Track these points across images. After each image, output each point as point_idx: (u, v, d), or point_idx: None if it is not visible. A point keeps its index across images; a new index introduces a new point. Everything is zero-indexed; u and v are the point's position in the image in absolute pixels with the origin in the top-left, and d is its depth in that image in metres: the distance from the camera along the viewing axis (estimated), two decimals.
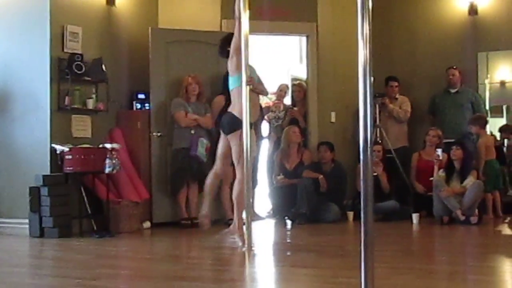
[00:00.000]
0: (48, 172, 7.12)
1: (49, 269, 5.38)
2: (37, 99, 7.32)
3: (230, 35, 5.96)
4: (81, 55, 7.46)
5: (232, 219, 7.85)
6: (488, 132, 9.07)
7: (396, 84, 9.13)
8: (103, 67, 7.72)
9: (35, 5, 7.42)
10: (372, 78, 2.86)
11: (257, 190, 8.61)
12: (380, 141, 8.69)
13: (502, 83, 9.54)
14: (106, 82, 7.78)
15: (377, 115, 8.89)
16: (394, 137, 8.94)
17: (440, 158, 8.04)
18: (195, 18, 8.50)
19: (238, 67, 5.54)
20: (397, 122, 9.08)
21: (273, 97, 9.21)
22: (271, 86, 9.22)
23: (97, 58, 7.69)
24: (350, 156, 8.72)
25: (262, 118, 8.69)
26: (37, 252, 6.34)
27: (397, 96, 9.13)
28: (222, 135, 6.12)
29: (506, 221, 7.90)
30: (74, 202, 7.16)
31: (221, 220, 7.95)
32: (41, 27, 7.34)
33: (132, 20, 8.36)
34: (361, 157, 2.88)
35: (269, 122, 9.02)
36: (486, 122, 8.60)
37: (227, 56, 6.01)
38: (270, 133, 9.05)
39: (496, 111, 9.64)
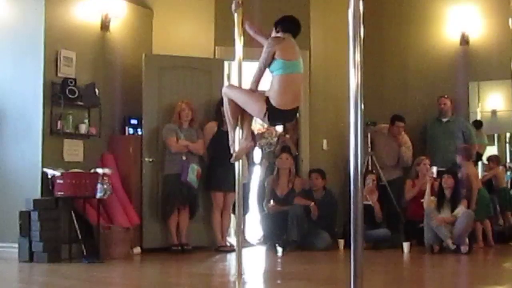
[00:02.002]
0: (38, 196, 7.09)
1: None
2: (30, 122, 7.32)
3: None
4: (75, 79, 7.48)
5: (222, 246, 7.88)
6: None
7: (402, 124, 9.12)
8: (96, 92, 7.74)
9: (29, 29, 7.46)
10: (363, 106, 2.90)
11: (248, 216, 8.62)
12: (374, 171, 8.72)
13: (493, 112, 9.59)
14: (99, 107, 7.79)
15: (369, 143, 8.93)
16: (388, 167, 8.99)
17: (435, 175, 8.07)
18: (189, 45, 8.55)
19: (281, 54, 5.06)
20: (392, 151, 9.12)
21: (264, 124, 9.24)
22: None
23: (90, 83, 7.71)
24: (341, 184, 8.75)
25: (255, 144, 8.70)
26: (26, 277, 6.29)
27: (401, 136, 9.17)
28: None
29: (497, 250, 7.91)
30: (64, 227, 7.11)
31: (211, 247, 7.94)
32: (35, 51, 7.36)
33: (126, 45, 8.40)
34: (351, 185, 2.91)
35: (261, 148, 9.02)
36: (471, 154, 8.64)
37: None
38: (262, 159, 9.05)
39: (488, 140, 9.69)
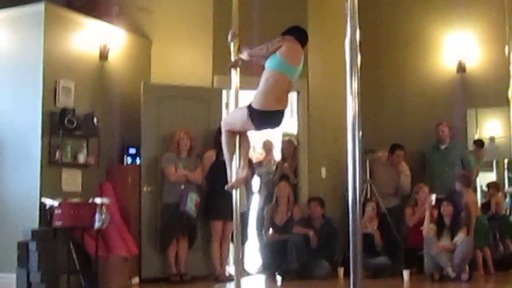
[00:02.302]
0: (37, 226, 7.06)
1: None
2: (28, 152, 7.31)
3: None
4: (73, 109, 7.49)
5: (222, 276, 7.83)
6: (478, 186, 9.14)
7: (402, 153, 9.14)
8: (95, 121, 7.76)
9: (28, 59, 7.49)
10: (361, 133, 2.91)
11: (247, 245, 8.58)
12: (373, 198, 8.71)
13: (492, 139, 9.61)
14: (97, 136, 7.80)
15: (368, 171, 8.94)
16: (387, 195, 8.99)
17: (434, 203, 8.05)
18: (187, 74, 8.59)
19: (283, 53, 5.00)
20: (391, 179, 9.13)
21: (263, 152, 9.25)
22: (261, 140, 9.30)
23: (89, 113, 7.72)
24: (340, 212, 8.71)
25: (253, 173, 8.71)
26: None
27: (401, 164, 9.18)
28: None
29: (498, 278, 7.87)
30: (62, 257, 7.06)
31: (210, 276, 7.89)
32: (34, 81, 7.38)
33: (124, 75, 8.44)
34: (350, 213, 2.91)
35: (260, 177, 9.03)
36: (470, 180, 8.65)
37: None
38: (260, 187, 9.05)
39: (487, 166, 9.71)
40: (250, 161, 8.21)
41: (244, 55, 5.13)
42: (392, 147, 9.13)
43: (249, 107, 4.91)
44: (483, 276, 7.92)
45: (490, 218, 8.61)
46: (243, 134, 5.22)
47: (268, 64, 4.97)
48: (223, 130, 5.21)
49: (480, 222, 8.23)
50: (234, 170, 5.13)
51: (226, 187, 5.13)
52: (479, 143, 9.29)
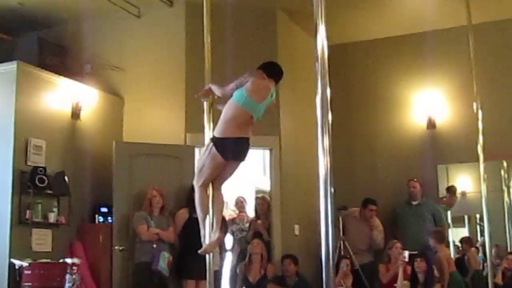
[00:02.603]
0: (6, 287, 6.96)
1: None
2: None
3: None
4: (44, 168, 7.47)
5: None
6: (451, 242, 9.18)
7: (375, 207, 9.17)
8: (66, 180, 7.73)
9: (1, 117, 7.50)
10: (333, 190, 2.92)
11: None
12: (346, 256, 8.69)
13: (463, 194, 9.68)
14: (68, 195, 7.77)
15: (341, 228, 8.95)
16: (360, 251, 8.97)
17: (406, 260, 8.05)
18: (160, 132, 8.61)
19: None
20: (363, 235, 9.12)
21: (236, 210, 9.22)
22: (233, 198, 9.28)
23: (60, 171, 7.70)
24: (314, 269, 8.67)
25: (226, 231, 8.66)
26: None
27: (373, 219, 9.20)
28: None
29: None
30: None
31: None
32: (5, 140, 7.38)
33: (96, 133, 8.45)
34: (324, 270, 2.90)
35: (233, 234, 8.97)
36: (443, 236, 8.69)
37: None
38: (233, 245, 8.99)
39: (458, 221, 9.77)
40: (223, 218, 8.20)
41: (215, 90, 5.14)
42: (365, 202, 9.17)
43: (212, 139, 4.96)
44: None
45: (464, 273, 8.62)
46: (216, 192, 5.21)
47: (233, 96, 5.02)
48: (196, 187, 5.17)
49: (454, 277, 8.23)
50: (208, 230, 5.10)
51: (199, 251, 5.09)
52: (452, 189, 9.36)
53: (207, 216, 5.12)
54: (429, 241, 8.51)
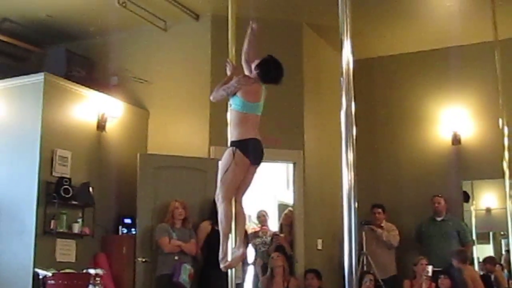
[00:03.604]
0: None
1: None
2: (23, 222, 7.29)
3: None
4: (69, 179, 7.51)
5: None
6: (475, 259, 9.08)
7: (379, 211, 9.18)
8: (91, 191, 7.76)
9: (26, 129, 7.55)
10: (356, 204, 2.91)
11: None
12: (369, 271, 8.63)
13: (488, 210, 9.62)
14: (93, 206, 7.80)
15: (364, 243, 8.90)
16: (383, 266, 8.90)
17: (430, 274, 7.97)
18: (184, 144, 8.62)
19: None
20: (386, 249, 9.05)
21: (258, 223, 9.21)
22: (256, 211, 9.28)
23: (85, 182, 7.74)
24: (337, 284, 8.61)
25: (247, 244, 8.65)
26: None
27: (383, 223, 9.15)
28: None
29: None
30: None
31: None
32: (31, 150, 7.42)
33: (121, 145, 8.49)
34: (346, 285, 2.89)
35: (255, 248, 8.96)
36: (466, 256, 8.57)
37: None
38: (256, 259, 8.97)
39: (483, 238, 9.67)
40: (245, 232, 8.18)
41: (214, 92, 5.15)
42: (372, 207, 9.16)
43: (233, 144, 4.92)
44: None
45: None
46: (238, 205, 5.18)
47: (232, 104, 5.01)
48: (220, 200, 5.05)
49: None
50: (230, 245, 5.07)
51: (222, 267, 5.07)
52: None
53: (229, 237, 5.09)
54: (453, 261, 8.42)
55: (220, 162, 5.01)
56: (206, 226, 7.93)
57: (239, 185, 5.06)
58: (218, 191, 5.08)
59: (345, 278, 2.90)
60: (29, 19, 8.73)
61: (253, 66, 5.14)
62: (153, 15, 8.68)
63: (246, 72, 5.21)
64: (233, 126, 4.99)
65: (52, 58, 8.62)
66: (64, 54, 8.60)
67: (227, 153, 4.94)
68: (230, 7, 5.30)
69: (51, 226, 7.31)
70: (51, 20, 8.82)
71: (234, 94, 4.98)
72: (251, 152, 4.94)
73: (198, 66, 8.77)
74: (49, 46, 9.20)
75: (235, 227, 5.09)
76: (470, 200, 9.61)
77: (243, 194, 5.16)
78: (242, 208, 5.26)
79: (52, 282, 6.94)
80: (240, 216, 5.16)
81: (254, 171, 5.08)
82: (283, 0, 8.37)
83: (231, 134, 5.00)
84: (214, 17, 8.67)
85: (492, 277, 8.65)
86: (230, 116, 5.05)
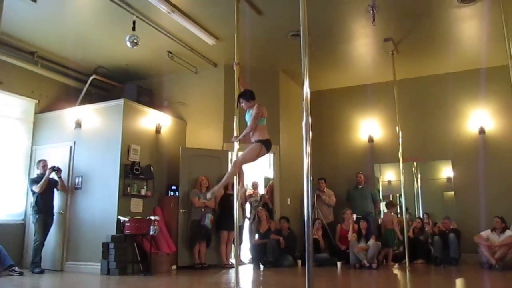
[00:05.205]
0: (114, 233, 7.02)
1: None
2: (111, 188, 7.31)
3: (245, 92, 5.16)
4: (139, 162, 7.53)
5: (226, 264, 7.72)
6: (381, 211, 9.12)
7: (323, 182, 9.17)
8: (152, 169, 7.78)
9: (113, 132, 7.55)
10: (311, 178, 2.94)
11: (242, 246, 8.49)
12: (318, 218, 8.69)
13: (389, 182, 9.65)
14: (152, 179, 7.81)
15: (315, 201, 8.93)
16: (325, 215, 8.94)
17: (354, 220, 8.04)
18: (207, 141, 8.63)
19: (264, 114, 4.95)
20: (327, 206, 9.10)
21: (252, 189, 9.22)
22: (251, 181, 9.28)
23: (148, 164, 7.76)
24: (299, 226, 8.68)
25: (246, 201, 8.68)
26: (104, 285, 6.13)
27: (325, 189, 9.16)
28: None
29: (395, 266, 7.82)
30: (129, 253, 7.01)
31: (220, 265, 7.78)
32: (116, 145, 7.44)
33: (170, 141, 8.49)
34: (306, 226, 2.92)
35: (250, 204, 8.99)
36: (392, 204, 8.57)
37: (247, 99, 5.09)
38: (250, 210, 9.01)
39: (386, 199, 9.71)
40: (244, 193, 8.20)
41: (240, 136, 5.04)
42: (318, 179, 9.08)
43: (260, 141, 4.83)
44: (386, 266, 7.86)
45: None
46: (242, 168, 5.10)
47: (259, 122, 4.91)
48: (236, 165, 4.88)
49: (389, 232, 8.15)
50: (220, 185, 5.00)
51: (210, 192, 5.02)
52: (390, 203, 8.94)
53: (234, 181, 5.00)
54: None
55: (247, 149, 4.88)
56: (220, 191, 7.95)
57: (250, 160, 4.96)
58: (237, 159, 4.93)
59: (304, 221, 2.93)
60: (114, 65, 8.74)
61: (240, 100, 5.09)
62: (189, 64, 8.69)
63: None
64: (262, 133, 4.88)
65: (128, 90, 8.62)
66: (135, 88, 8.61)
67: (256, 145, 4.83)
68: (236, 59, 5.34)
69: (128, 191, 7.34)
70: (128, 67, 8.82)
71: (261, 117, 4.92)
72: (268, 146, 4.90)
73: (216, 95, 8.76)
74: (126, 82, 9.20)
75: (239, 177, 5.02)
76: (378, 175, 9.66)
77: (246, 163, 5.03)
78: (242, 170, 5.19)
79: (128, 224, 6.98)
80: (241, 173, 5.12)
81: (262, 156, 4.96)
82: (267, 55, 8.37)
83: (262, 137, 4.86)
84: (226, 65, 8.68)
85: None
86: (257, 129, 4.90)
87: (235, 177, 5.00)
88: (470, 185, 8.66)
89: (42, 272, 6.96)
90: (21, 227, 7.71)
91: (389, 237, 8.11)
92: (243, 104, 5.07)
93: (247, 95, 5.06)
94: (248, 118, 5.01)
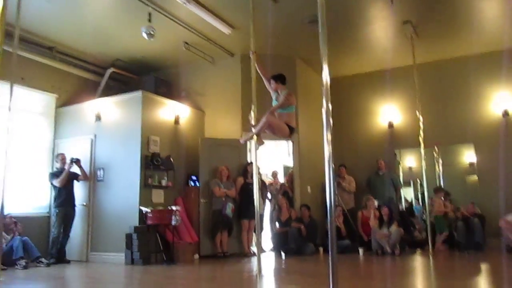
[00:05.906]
0: (137, 224, 7.09)
1: (136, 286, 5.27)
2: (132, 179, 7.37)
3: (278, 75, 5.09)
4: (159, 153, 7.57)
5: (248, 253, 7.74)
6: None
7: (343, 168, 9.11)
8: (172, 160, 7.82)
9: (133, 124, 7.60)
10: (333, 165, 2.90)
11: (263, 234, 8.50)
12: (339, 204, 8.63)
13: (410, 168, 9.52)
14: (173, 169, 7.85)
15: (336, 188, 8.87)
16: (346, 202, 8.88)
17: (376, 207, 8.00)
18: (226, 131, 8.61)
19: (292, 102, 4.89)
20: (348, 193, 9.03)
21: (272, 178, 9.20)
22: (270, 170, 9.26)
23: (168, 155, 7.80)
24: (320, 213, 8.64)
25: (267, 190, 8.66)
26: (129, 274, 6.21)
27: (345, 176, 9.09)
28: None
29: (417, 253, 7.73)
30: (152, 243, 7.08)
31: (241, 253, 7.81)
32: (136, 137, 7.49)
33: (189, 132, 8.51)
34: (328, 214, 2.88)
35: (271, 192, 8.98)
36: (444, 193, 8.26)
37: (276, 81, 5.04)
38: (271, 199, 9.00)
39: (407, 185, 9.61)
40: (263, 182, 8.19)
41: (263, 120, 4.78)
42: (338, 166, 9.02)
43: (288, 126, 4.80)
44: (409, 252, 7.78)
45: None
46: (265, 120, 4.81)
47: (288, 108, 4.86)
48: (265, 118, 4.68)
49: (439, 218, 7.92)
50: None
51: (254, 131, 4.77)
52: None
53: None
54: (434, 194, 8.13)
55: (278, 120, 4.79)
56: (240, 180, 7.97)
57: (273, 129, 4.84)
58: (266, 118, 4.72)
59: (325, 209, 2.90)
60: (131, 58, 8.76)
61: (271, 80, 5.02)
62: (205, 54, 8.65)
63: (268, 85, 5.08)
64: (290, 120, 4.83)
65: (146, 82, 8.64)
66: (153, 79, 8.63)
67: (285, 127, 4.77)
68: (252, 48, 5.26)
69: (149, 182, 7.39)
70: (144, 59, 8.83)
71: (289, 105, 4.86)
72: (291, 133, 4.82)
73: (233, 85, 8.72)
74: (144, 74, 9.23)
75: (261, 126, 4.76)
76: (399, 161, 9.54)
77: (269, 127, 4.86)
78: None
79: (150, 215, 7.05)
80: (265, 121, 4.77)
81: (281, 137, 4.92)
82: (284, 42, 8.28)
83: (290, 123, 4.82)
84: (242, 55, 8.63)
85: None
86: (286, 114, 4.82)
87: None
88: (493, 169, 8.47)
89: (48, 265, 6.77)
90: (46, 219, 7.85)
91: (441, 223, 7.94)
92: (273, 85, 5.03)
93: (283, 78, 5.03)
94: (275, 103, 4.97)
